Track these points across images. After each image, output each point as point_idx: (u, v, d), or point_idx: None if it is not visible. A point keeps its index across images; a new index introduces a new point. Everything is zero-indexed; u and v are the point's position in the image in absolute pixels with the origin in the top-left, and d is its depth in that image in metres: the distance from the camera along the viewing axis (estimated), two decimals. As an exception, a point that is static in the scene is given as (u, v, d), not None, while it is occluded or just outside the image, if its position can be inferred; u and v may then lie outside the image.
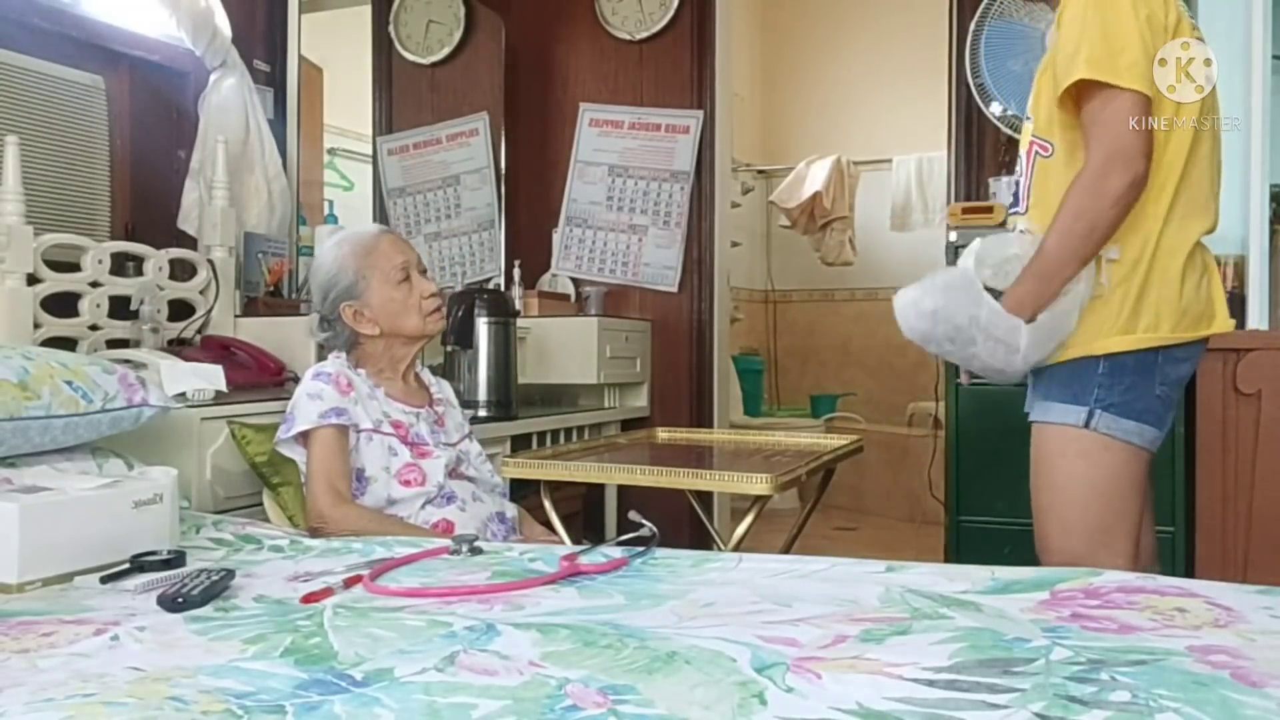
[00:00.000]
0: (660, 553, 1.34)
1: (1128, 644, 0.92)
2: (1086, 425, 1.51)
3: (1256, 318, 2.47)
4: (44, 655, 0.94)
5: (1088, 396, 1.52)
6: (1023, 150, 1.64)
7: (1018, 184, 1.66)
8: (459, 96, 3.55)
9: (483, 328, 2.66)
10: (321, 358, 1.88)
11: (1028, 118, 1.63)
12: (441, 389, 1.94)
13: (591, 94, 3.57)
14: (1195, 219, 1.54)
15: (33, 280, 1.99)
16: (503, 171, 3.56)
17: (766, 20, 5.97)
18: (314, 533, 1.62)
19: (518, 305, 3.12)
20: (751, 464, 2.10)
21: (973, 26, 2.69)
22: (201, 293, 2.36)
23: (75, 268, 2.10)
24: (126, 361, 1.87)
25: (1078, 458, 1.54)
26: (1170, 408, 1.56)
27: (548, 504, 1.95)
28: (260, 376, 2.24)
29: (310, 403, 1.69)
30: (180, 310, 2.32)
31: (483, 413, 2.65)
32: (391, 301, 1.78)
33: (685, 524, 2.86)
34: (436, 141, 3.52)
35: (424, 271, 1.85)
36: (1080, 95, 1.47)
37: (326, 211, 3.07)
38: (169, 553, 1.29)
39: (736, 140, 4.68)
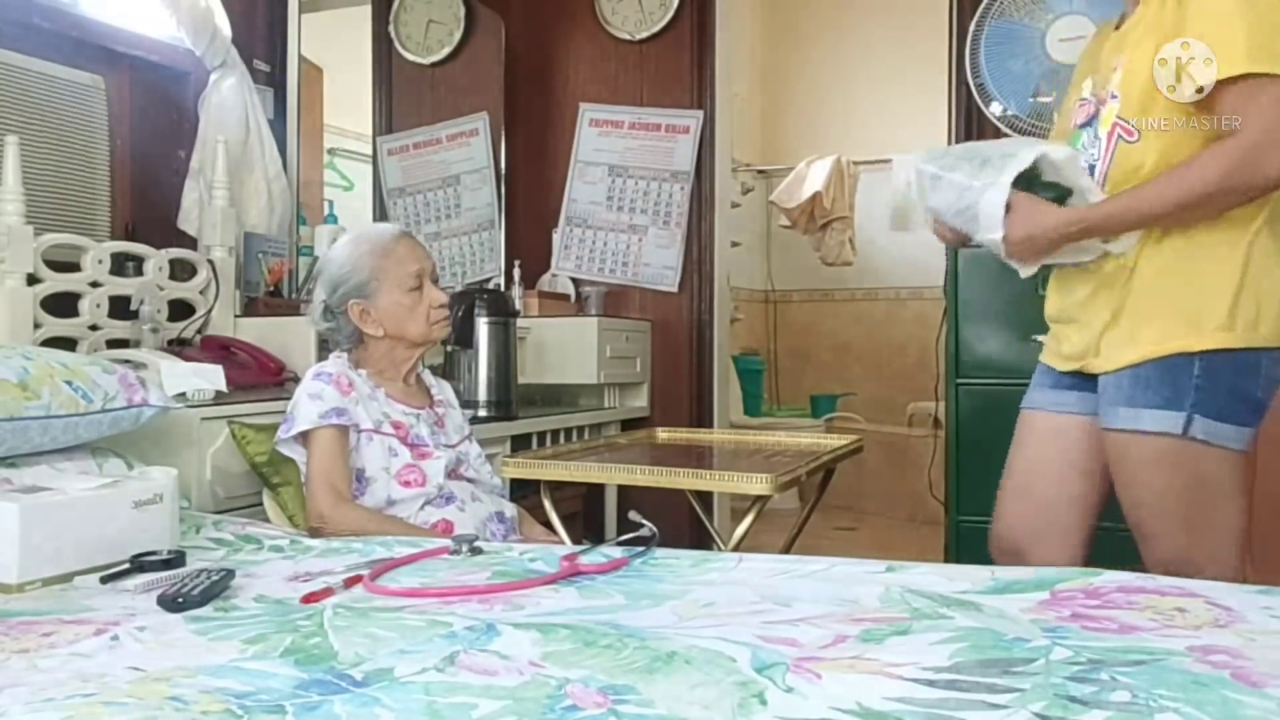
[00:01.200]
0: (660, 553, 1.34)
1: (1128, 644, 0.92)
2: (1184, 433, 1.40)
3: (1256, 318, 2.47)
4: (44, 655, 0.94)
5: (1183, 400, 1.40)
6: (1102, 131, 1.52)
7: (1092, 167, 1.54)
8: (459, 96, 3.55)
9: (483, 328, 2.66)
10: (322, 355, 1.88)
11: (1114, 95, 1.50)
12: (442, 390, 1.94)
13: (591, 94, 3.57)
14: None
15: (33, 280, 1.99)
16: (503, 171, 3.56)
17: (766, 20, 5.96)
18: (314, 533, 1.62)
19: (518, 305, 3.12)
20: (751, 464, 2.10)
21: (973, 26, 2.69)
22: (201, 293, 2.36)
23: (75, 268, 2.10)
24: (126, 361, 1.87)
25: (1171, 469, 1.43)
26: (1267, 408, 1.45)
27: (548, 504, 1.95)
28: (260, 376, 2.24)
29: (311, 403, 1.69)
30: (180, 310, 2.32)
31: (483, 413, 2.65)
32: (399, 306, 1.77)
33: (685, 524, 2.86)
34: (436, 141, 3.52)
35: (436, 280, 1.84)
36: (1225, 81, 1.36)
37: (326, 211, 3.07)
38: (169, 553, 1.29)
39: (736, 140, 4.68)
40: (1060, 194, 1.49)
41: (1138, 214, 1.41)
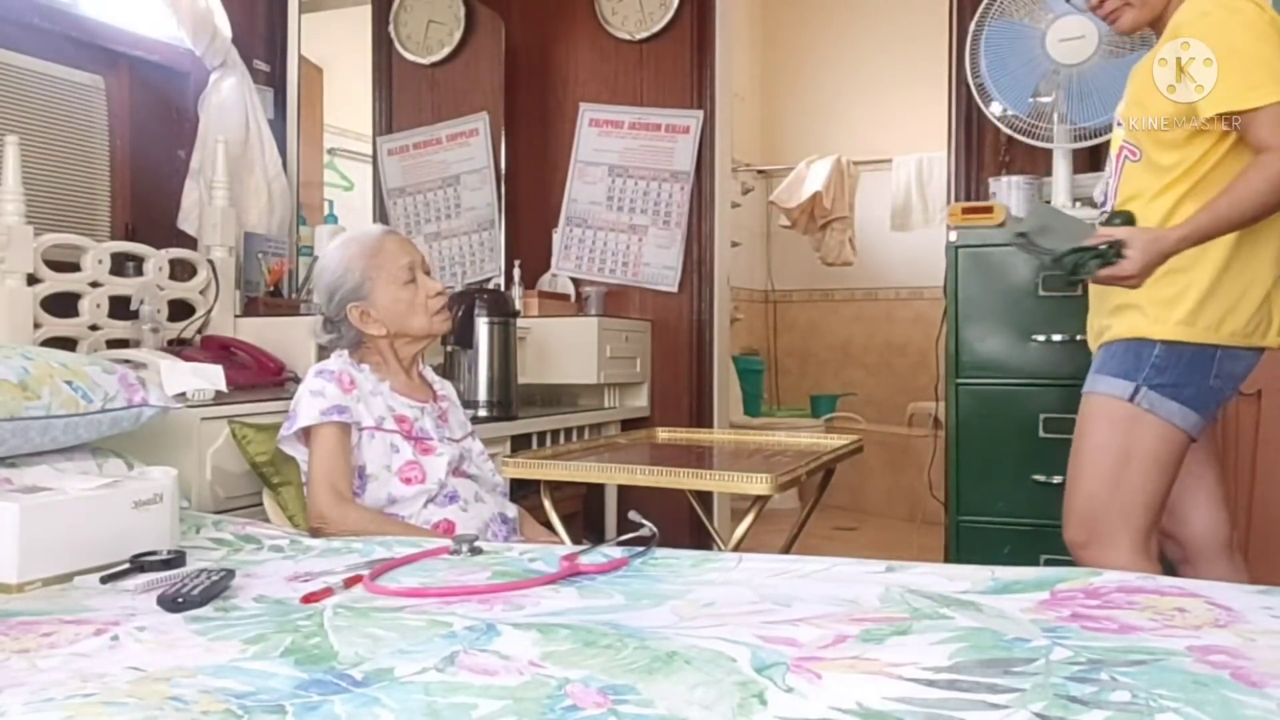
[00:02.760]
0: (660, 553, 1.34)
1: (1128, 644, 0.92)
2: (1131, 399, 1.59)
3: (1256, 318, 2.46)
4: (44, 655, 0.94)
5: (1138, 374, 1.60)
6: (1113, 152, 1.73)
7: (1108, 184, 1.76)
8: (459, 96, 3.55)
9: (483, 328, 2.66)
10: (322, 355, 1.88)
11: (1119, 124, 1.71)
12: (445, 388, 1.94)
13: (591, 94, 3.57)
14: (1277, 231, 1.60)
15: (33, 280, 1.99)
16: (503, 171, 3.56)
17: (766, 20, 5.96)
18: (314, 533, 1.62)
19: (518, 305, 3.12)
20: (751, 464, 2.09)
21: (973, 26, 2.68)
22: (201, 293, 2.36)
23: (75, 268, 2.10)
24: (126, 361, 1.87)
25: (1111, 427, 1.62)
26: (1222, 399, 1.63)
27: (548, 504, 1.95)
28: (260, 376, 2.24)
29: (312, 399, 1.69)
30: (180, 310, 2.32)
31: (483, 413, 2.65)
32: (398, 302, 1.78)
33: (685, 524, 2.86)
34: (436, 141, 3.51)
35: (429, 271, 1.85)
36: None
37: (326, 211, 3.07)
38: (169, 553, 1.29)
39: (736, 140, 4.68)
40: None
41: (1223, 220, 1.52)
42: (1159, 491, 1.61)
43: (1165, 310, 1.59)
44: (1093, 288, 1.76)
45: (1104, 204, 1.78)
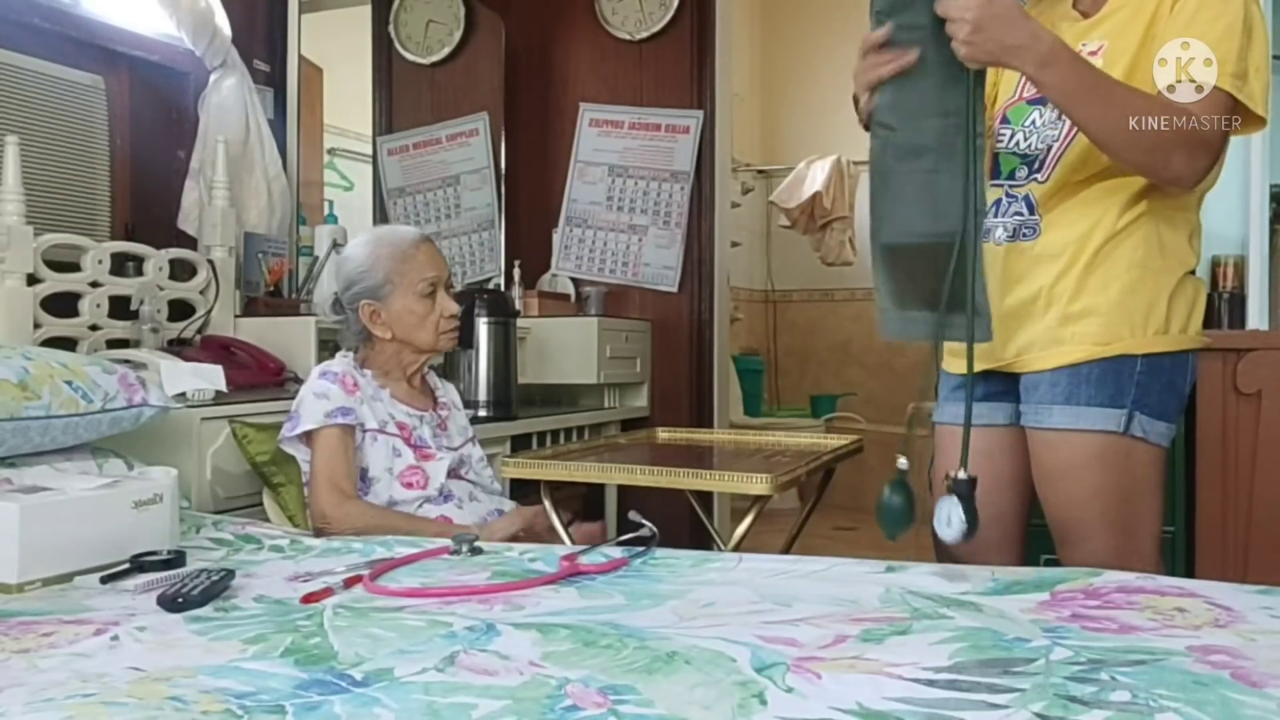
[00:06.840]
0: (660, 553, 1.34)
1: (1128, 644, 0.92)
2: (1126, 430, 1.43)
3: (1256, 318, 2.47)
4: (44, 655, 0.94)
5: (1124, 398, 1.43)
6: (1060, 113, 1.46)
7: (1049, 147, 1.51)
8: (459, 96, 3.55)
9: (483, 328, 2.66)
10: (322, 355, 1.88)
11: None
12: (447, 392, 1.94)
13: (591, 94, 3.57)
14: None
15: (33, 280, 1.99)
16: (503, 171, 3.56)
17: (766, 20, 5.96)
18: (318, 532, 1.62)
19: (518, 305, 3.12)
20: (751, 464, 2.09)
21: (973, 26, 2.68)
22: (201, 293, 2.36)
23: (75, 268, 2.10)
24: (126, 361, 1.87)
25: (1107, 467, 1.45)
26: (1184, 405, 1.53)
27: (548, 504, 1.95)
28: (260, 376, 2.24)
29: (316, 402, 1.69)
30: (180, 310, 2.32)
31: (483, 413, 2.65)
32: (411, 313, 1.78)
33: (685, 524, 2.86)
34: (436, 141, 3.52)
35: (450, 289, 1.85)
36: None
37: (326, 211, 3.07)
38: (169, 553, 1.30)
39: (736, 140, 4.68)
40: None
41: (1099, 99, 1.34)
42: (1160, 519, 1.50)
43: (1139, 320, 1.44)
44: (990, 277, 1.49)
45: (1035, 168, 1.53)
